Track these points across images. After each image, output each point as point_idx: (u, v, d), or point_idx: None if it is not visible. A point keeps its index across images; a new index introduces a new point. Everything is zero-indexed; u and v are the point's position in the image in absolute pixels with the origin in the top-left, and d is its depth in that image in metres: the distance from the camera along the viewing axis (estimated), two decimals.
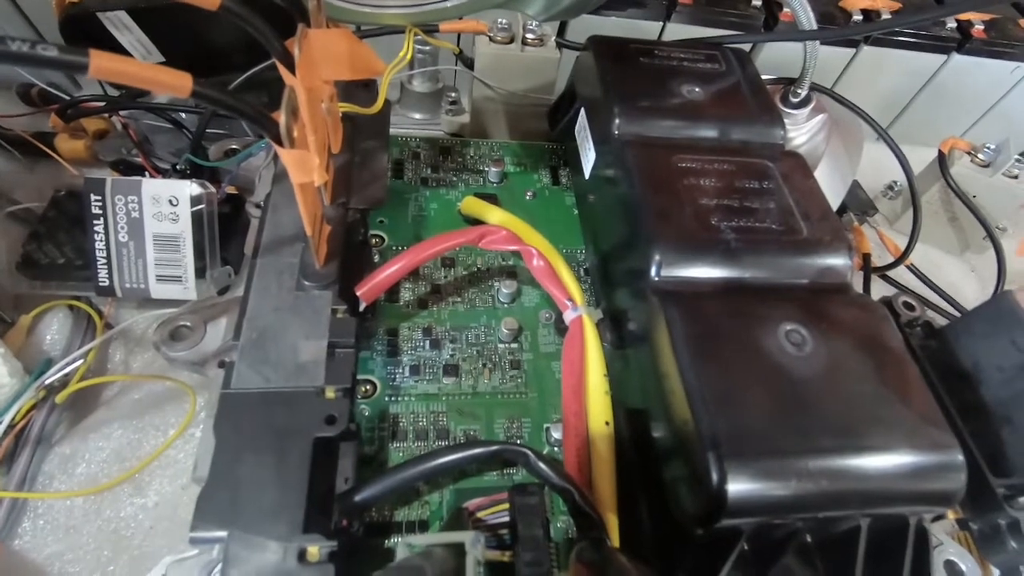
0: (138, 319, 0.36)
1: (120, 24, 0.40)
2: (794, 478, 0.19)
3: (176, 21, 0.41)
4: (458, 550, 0.18)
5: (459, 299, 0.32)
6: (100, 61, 0.15)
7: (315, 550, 0.18)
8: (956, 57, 0.49)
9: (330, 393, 0.22)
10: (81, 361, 0.32)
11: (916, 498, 0.20)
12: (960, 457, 0.20)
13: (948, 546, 0.26)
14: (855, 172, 0.43)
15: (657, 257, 0.23)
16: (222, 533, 0.19)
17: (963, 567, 0.26)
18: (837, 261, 0.24)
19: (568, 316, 0.26)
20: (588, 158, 0.31)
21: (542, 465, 0.20)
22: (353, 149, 0.30)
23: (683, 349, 0.21)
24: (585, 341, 0.24)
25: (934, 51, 0.49)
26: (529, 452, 0.20)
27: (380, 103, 0.29)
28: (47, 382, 0.31)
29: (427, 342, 0.30)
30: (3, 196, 0.38)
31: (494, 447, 0.21)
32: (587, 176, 0.32)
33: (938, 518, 0.23)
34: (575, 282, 0.26)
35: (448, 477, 0.25)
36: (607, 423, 0.23)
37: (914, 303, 0.27)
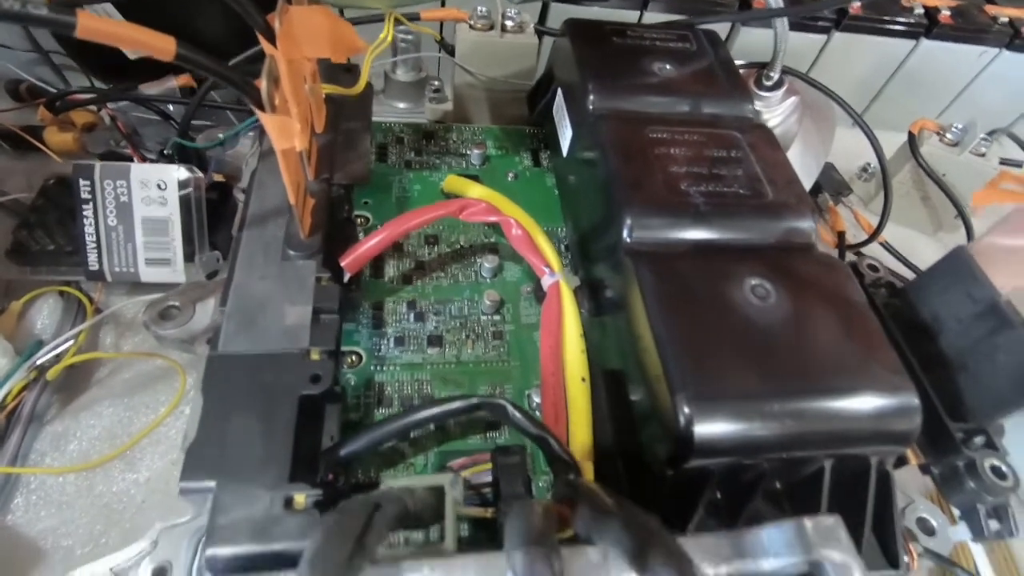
0: (128, 303, 0.36)
1: (106, 16, 0.41)
2: (757, 419, 0.20)
3: (162, 14, 0.42)
4: (438, 492, 0.18)
5: (442, 274, 0.33)
6: (87, 21, 0.16)
7: (301, 498, 0.19)
8: (925, 42, 0.51)
9: (315, 355, 0.23)
10: (72, 342, 0.33)
11: (874, 437, 0.21)
12: (915, 399, 0.21)
13: (920, 503, 0.27)
14: (828, 152, 0.44)
15: (629, 221, 0.24)
16: (211, 483, 0.19)
17: (934, 523, 0.27)
18: (801, 223, 0.25)
19: (546, 282, 0.27)
20: (565, 136, 0.32)
21: (519, 416, 0.21)
22: (336, 129, 0.31)
23: (653, 303, 0.22)
24: (562, 304, 0.25)
25: (903, 36, 0.50)
26: (506, 404, 0.21)
27: (362, 84, 0.30)
28: (38, 363, 0.32)
29: (411, 315, 0.31)
30: None
31: (473, 400, 0.21)
32: (565, 154, 0.33)
33: (900, 463, 0.24)
34: (552, 250, 0.27)
35: (432, 440, 0.26)
36: (583, 379, 0.24)
37: (878, 265, 0.28)
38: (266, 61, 0.20)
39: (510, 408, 0.21)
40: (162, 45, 0.17)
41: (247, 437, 0.20)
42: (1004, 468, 0.22)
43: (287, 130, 0.20)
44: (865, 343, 0.22)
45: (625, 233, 0.24)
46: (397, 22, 0.33)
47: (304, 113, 0.23)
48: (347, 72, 0.33)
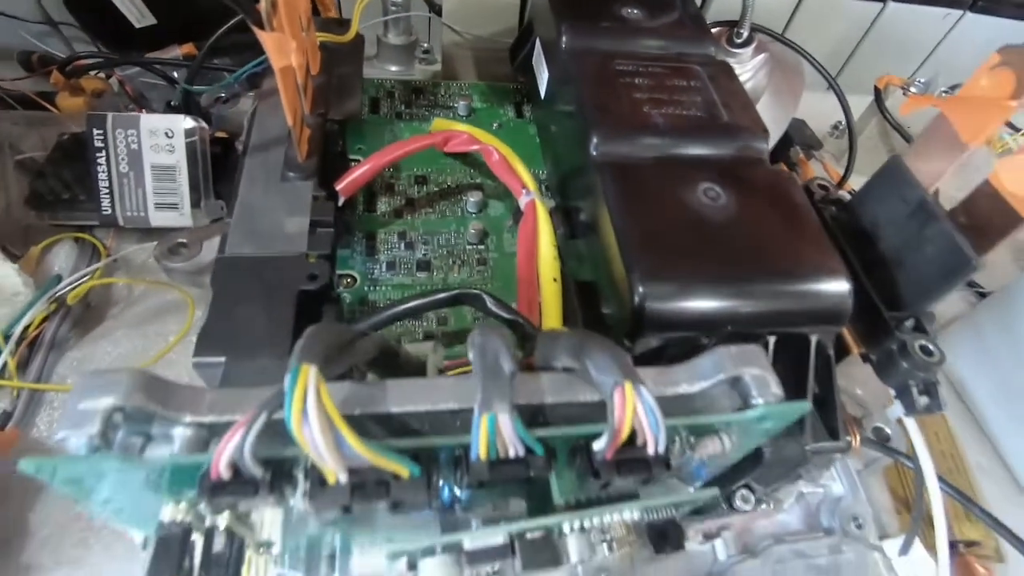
0: (138, 248, 0.39)
1: None
2: (703, 296, 0.22)
3: None
4: (422, 356, 0.21)
5: (431, 210, 0.35)
6: None
7: None
8: (891, 4, 0.53)
9: (312, 258, 0.25)
10: (88, 278, 0.35)
11: (810, 317, 0.23)
12: (847, 284, 0.23)
13: (877, 416, 0.30)
14: (796, 105, 0.46)
15: (595, 138, 0.27)
16: (221, 358, 0.22)
17: (888, 431, 0.30)
18: (753, 141, 0.28)
19: (522, 201, 0.29)
20: (543, 80, 0.35)
21: (493, 303, 0.23)
22: (331, 74, 0.33)
23: (615, 202, 0.24)
24: (537, 218, 0.28)
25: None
26: (483, 293, 0.23)
27: (353, 30, 0.33)
28: (58, 295, 0.35)
29: (402, 244, 0.33)
30: (12, 147, 0.41)
31: (454, 292, 0.24)
32: (543, 97, 0.35)
33: (842, 355, 0.27)
34: (528, 173, 0.30)
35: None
36: (555, 279, 0.26)
37: (827, 184, 0.31)
38: None
39: (486, 297, 0.23)
40: None
41: (252, 322, 0.23)
42: (931, 347, 0.25)
43: (284, 48, 0.23)
44: (804, 237, 0.24)
45: (592, 147, 0.26)
46: None
47: (299, 36, 0.25)
48: (339, 25, 0.36)
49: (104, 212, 0.37)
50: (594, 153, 0.26)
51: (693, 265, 0.23)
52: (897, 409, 0.25)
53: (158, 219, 0.38)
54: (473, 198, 0.35)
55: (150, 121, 0.36)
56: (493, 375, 0.14)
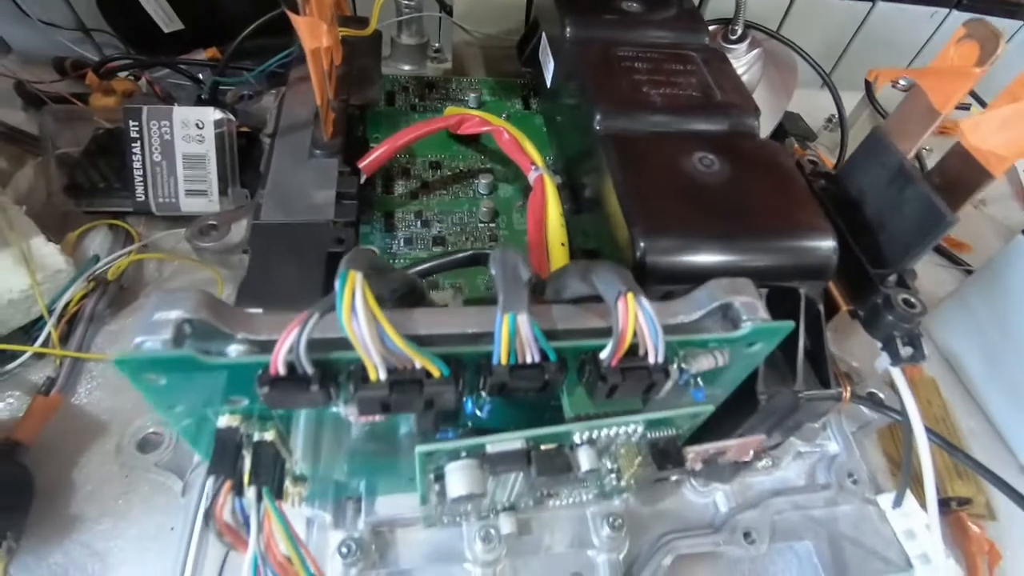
0: (168, 234, 0.41)
1: None
2: (700, 252, 0.24)
3: None
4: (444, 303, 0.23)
5: (445, 192, 0.37)
6: None
7: None
8: (880, 4, 0.56)
9: (338, 225, 0.28)
10: (123, 256, 0.38)
11: (798, 271, 0.25)
12: (832, 240, 0.25)
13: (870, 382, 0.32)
14: (790, 97, 0.49)
15: (598, 114, 0.29)
16: (259, 310, 0.24)
17: (882, 396, 0.32)
18: (745, 118, 0.30)
19: (531, 176, 0.31)
20: (549, 69, 0.38)
21: None
22: (351, 65, 0.36)
23: (617, 168, 0.26)
24: (545, 190, 0.30)
25: None
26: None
27: (372, 26, 0.36)
28: (96, 273, 0.37)
29: (418, 222, 0.35)
30: (50, 142, 0.43)
31: (470, 252, 0.26)
32: (549, 85, 0.38)
33: (831, 312, 0.29)
34: (536, 151, 0.32)
35: None
36: (562, 244, 0.28)
37: (816, 158, 0.33)
38: None
39: None
40: None
41: (287, 278, 0.25)
42: (913, 300, 0.26)
43: (316, 31, 0.25)
44: (793, 198, 0.26)
45: (596, 123, 0.29)
46: None
47: (328, 21, 0.28)
48: (358, 23, 0.39)
49: (138, 199, 0.40)
50: (597, 128, 0.29)
51: (690, 223, 0.25)
52: (883, 360, 0.27)
53: (188, 205, 0.40)
54: (484, 180, 0.37)
55: (182, 113, 0.39)
56: (513, 281, 0.16)
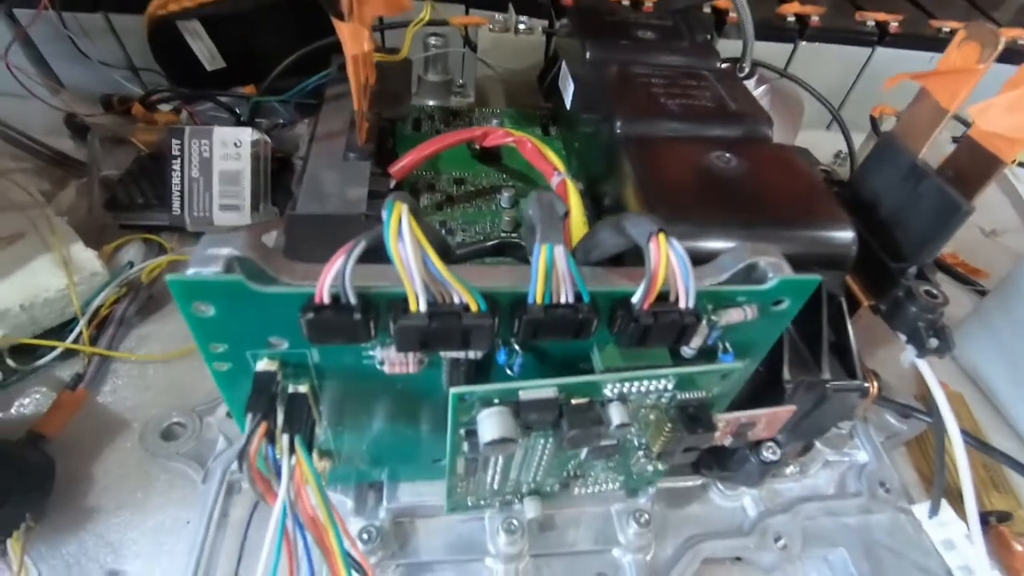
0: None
1: (193, 32, 0.50)
2: (718, 238, 0.25)
3: (236, 33, 0.51)
4: None
5: (468, 205, 0.39)
6: None
7: None
8: (880, 50, 0.59)
9: (370, 218, 0.29)
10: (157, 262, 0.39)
11: (818, 261, 0.25)
12: (850, 231, 0.26)
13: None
14: (798, 130, 0.51)
15: (619, 120, 0.30)
16: None
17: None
18: (758, 125, 0.32)
19: (554, 181, 0.32)
20: (568, 92, 0.40)
21: None
22: (384, 86, 0.38)
23: (637, 164, 0.28)
24: (568, 194, 0.31)
25: (859, 44, 0.58)
26: (522, 242, 0.26)
27: (405, 51, 0.38)
28: (129, 278, 0.38)
29: (443, 231, 0.36)
30: (97, 160, 0.46)
31: (496, 241, 0.27)
32: (568, 108, 0.40)
33: (854, 308, 0.29)
34: (558, 158, 0.34)
35: None
36: None
37: (828, 168, 0.34)
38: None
39: (523, 243, 0.26)
40: None
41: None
42: (935, 291, 0.27)
43: (359, 36, 0.27)
44: (811, 192, 0.27)
45: (617, 128, 0.30)
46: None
47: (368, 29, 0.30)
48: (391, 52, 0.41)
49: (174, 212, 0.42)
50: (619, 131, 0.30)
51: (709, 210, 0.26)
52: (909, 352, 0.27)
53: (221, 219, 0.42)
54: (507, 193, 0.38)
55: (222, 132, 0.41)
56: (550, 215, 0.17)
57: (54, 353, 0.33)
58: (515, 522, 0.26)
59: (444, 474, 0.23)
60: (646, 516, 0.27)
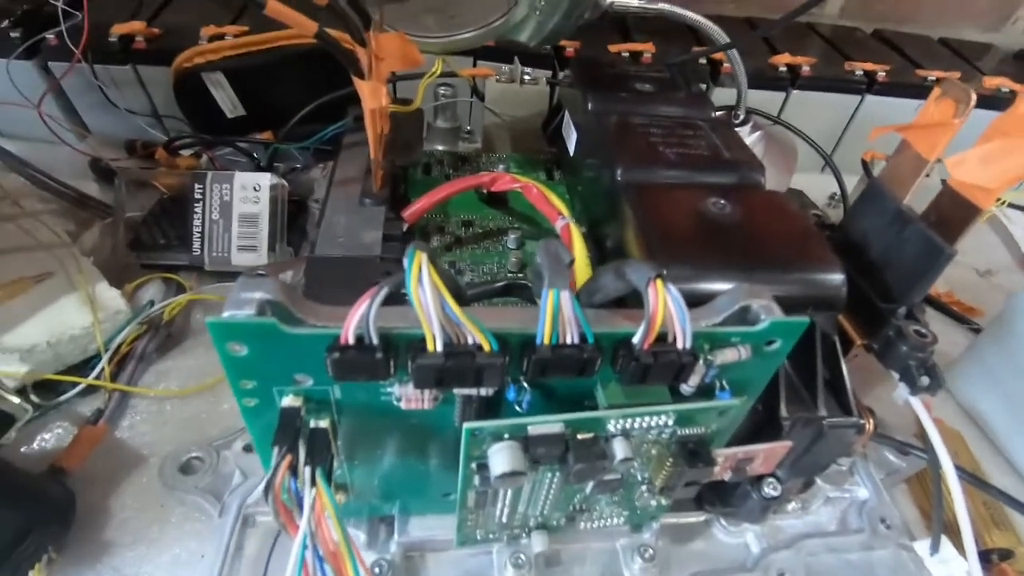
0: (217, 287, 0.44)
1: (216, 83, 0.53)
2: (715, 281, 0.26)
3: (256, 83, 0.54)
4: None
5: (476, 247, 0.40)
6: (273, 5, 0.25)
7: None
8: (869, 97, 0.61)
9: (385, 261, 0.30)
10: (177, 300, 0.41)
11: (810, 302, 0.27)
12: (841, 274, 0.27)
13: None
14: (792, 172, 0.53)
15: (619, 167, 0.32)
16: None
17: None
18: (751, 172, 0.33)
19: (559, 225, 0.34)
20: (571, 140, 0.42)
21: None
22: (397, 134, 0.40)
23: (637, 209, 0.29)
24: (572, 236, 0.33)
25: (848, 92, 0.61)
26: (529, 283, 0.28)
27: (418, 102, 0.40)
28: (150, 316, 0.40)
29: (453, 270, 0.38)
30: (123, 201, 0.48)
31: (504, 282, 0.28)
32: (572, 154, 0.42)
33: (847, 348, 0.30)
34: (563, 203, 0.35)
35: None
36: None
37: (820, 214, 0.36)
38: (362, 59, 0.30)
39: (532, 286, 0.28)
40: (308, 25, 0.27)
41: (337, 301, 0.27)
42: (924, 331, 0.28)
43: (377, 93, 0.29)
44: (802, 236, 0.29)
45: (617, 175, 0.32)
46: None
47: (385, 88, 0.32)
48: (404, 103, 0.44)
49: (194, 252, 0.43)
50: (619, 179, 0.32)
51: (706, 254, 0.27)
52: (901, 390, 0.28)
53: (239, 259, 0.44)
54: (513, 236, 0.40)
55: (242, 177, 0.44)
56: (556, 263, 0.18)
57: (77, 389, 0.35)
58: (523, 556, 0.26)
59: (454, 508, 0.24)
60: (651, 551, 0.28)
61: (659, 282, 0.18)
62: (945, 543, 0.31)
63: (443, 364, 0.17)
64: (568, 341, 0.18)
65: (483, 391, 0.19)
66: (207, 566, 0.28)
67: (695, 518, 0.31)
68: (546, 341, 0.18)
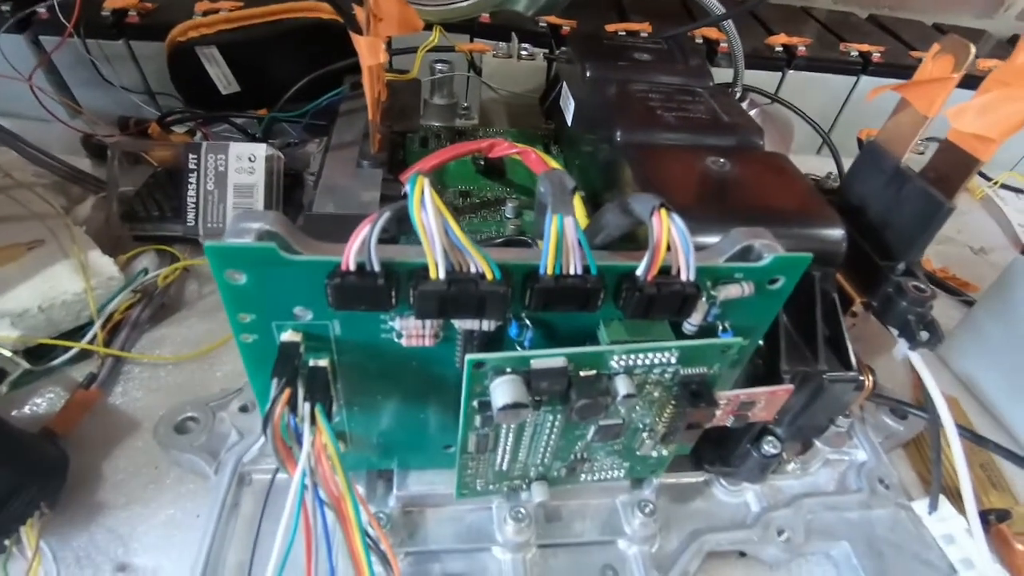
0: None
1: (211, 58, 0.53)
2: (714, 234, 0.26)
3: (251, 58, 0.54)
4: None
5: (474, 215, 0.40)
6: None
7: None
8: (864, 78, 0.61)
9: None
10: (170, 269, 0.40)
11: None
12: (840, 228, 0.27)
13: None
14: (789, 151, 0.53)
15: (619, 130, 0.32)
16: None
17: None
18: (750, 136, 0.33)
19: None
20: (569, 110, 0.42)
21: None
22: (395, 102, 0.40)
23: (636, 167, 0.29)
24: None
25: (844, 73, 0.61)
26: (529, 239, 0.28)
27: (415, 71, 0.40)
28: (143, 284, 0.39)
29: None
30: (116, 172, 0.47)
31: (504, 237, 0.28)
32: (569, 124, 0.42)
33: (846, 306, 0.30)
34: (561, 167, 0.35)
35: None
36: None
37: (817, 178, 0.36)
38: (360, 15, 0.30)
39: (531, 241, 0.28)
40: None
41: None
42: (922, 285, 0.28)
43: (375, 49, 0.29)
44: (801, 193, 0.29)
45: (617, 137, 0.32)
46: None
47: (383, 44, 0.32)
48: (402, 73, 0.44)
49: (188, 224, 0.43)
50: (618, 140, 0.32)
51: (704, 207, 0.27)
52: (901, 346, 0.28)
53: None
54: (511, 205, 0.40)
55: (237, 148, 0.43)
56: (560, 190, 0.18)
57: (69, 353, 0.34)
58: (522, 511, 0.26)
59: (453, 462, 0.24)
60: (651, 506, 0.28)
61: (663, 211, 0.18)
62: (943, 502, 0.31)
63: (446, 291, 0.17)
64: (571, 271, 0.18)
65: (485, 324, 0.19)
66: (203, 524, 0.28)
67: (695, 478, 0.31)
68: (549, 271, 0.18)
